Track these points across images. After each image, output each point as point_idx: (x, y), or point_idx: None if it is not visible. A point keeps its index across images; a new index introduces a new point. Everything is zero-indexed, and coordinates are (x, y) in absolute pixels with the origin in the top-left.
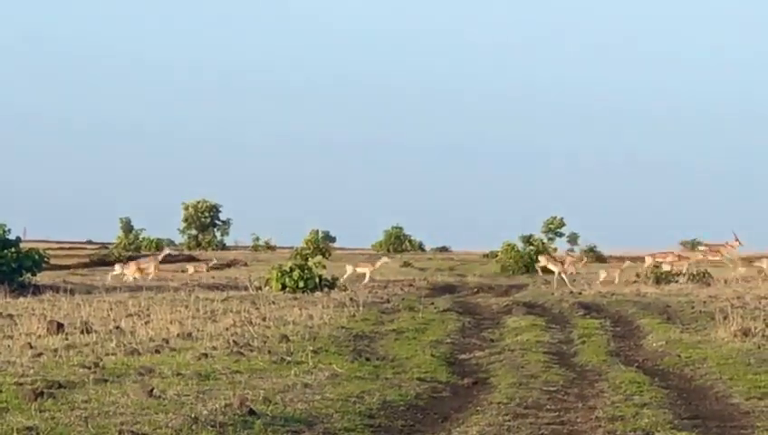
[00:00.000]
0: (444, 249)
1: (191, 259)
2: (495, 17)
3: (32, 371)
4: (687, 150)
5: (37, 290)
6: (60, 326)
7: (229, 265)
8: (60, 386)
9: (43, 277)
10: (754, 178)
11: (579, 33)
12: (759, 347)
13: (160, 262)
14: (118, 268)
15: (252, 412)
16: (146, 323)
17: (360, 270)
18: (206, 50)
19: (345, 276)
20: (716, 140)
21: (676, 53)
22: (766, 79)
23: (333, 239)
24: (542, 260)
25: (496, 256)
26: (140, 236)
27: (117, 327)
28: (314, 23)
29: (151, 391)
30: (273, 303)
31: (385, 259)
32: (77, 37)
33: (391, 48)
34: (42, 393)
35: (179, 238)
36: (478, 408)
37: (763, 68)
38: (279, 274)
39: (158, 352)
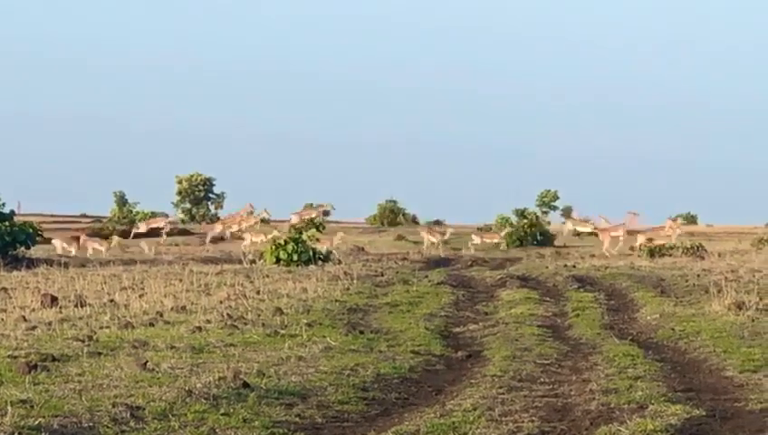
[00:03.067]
0: (438, 223)
1: (184, 232)
2: None
3: (26, 344)
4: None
5: (31, 263)
6: (54, 299)
7: (222, 238)
8: (54, 359)
9: (37, 251)
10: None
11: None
12: (753, 320)
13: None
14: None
15: (246, 385)
16: (140, 296)
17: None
18: (195, 28)
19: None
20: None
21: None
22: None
23: (328, 213)
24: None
25: (490, 229)
26: (134, 210)
27: (111, 300)
28: None
29: (145, 363)
30: (268, 276)
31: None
32: (69, 15)
33: (382, 25)
34: (36, 366)
35: (173, 212)
36: (472, 381)
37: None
38: (273, 247)
39: (152, 325)
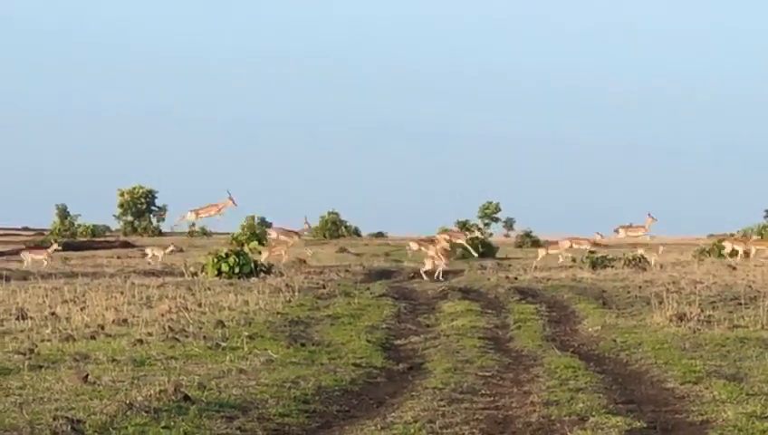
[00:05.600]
0: (380, 235)
1: (126, 245)
2: None
3: None
4: (623, 132)
5: None
6: None
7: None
8: None
9: None
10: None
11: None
12: (694, 332)
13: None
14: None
15: (186, 398)
16: (81, 309)
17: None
18: (133, 31)
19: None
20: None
21: (593, 31)
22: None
23: (269, 225)
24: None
25: (432, 241)
26: (76, 223)
27: (52, 313)
28: None
29: (86, 377)
30: (209, 289)
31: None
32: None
33: (321, 28)
34: None
35: (115, 225)
36: (413, 393)
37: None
38: (215, 259)
39: (93, 338)
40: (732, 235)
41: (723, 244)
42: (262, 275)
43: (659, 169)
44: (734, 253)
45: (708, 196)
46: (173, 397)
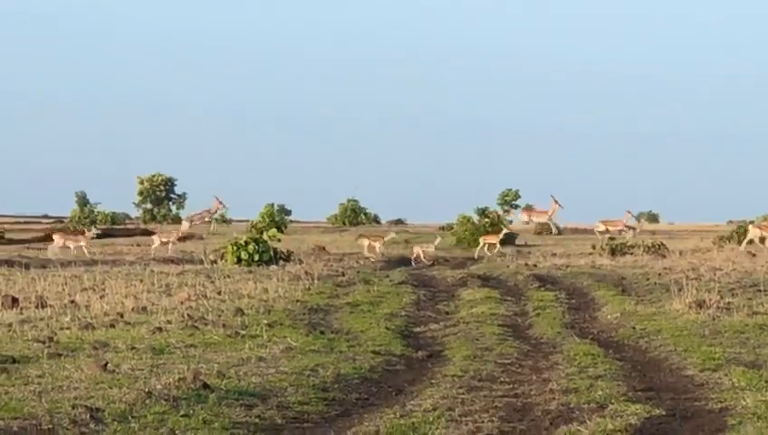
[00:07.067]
0: (399, 222)
1: (146, 233)
2: None
3: None
4: (639, 119)
5: None
6: (14, 301)
7: (184, 238)
8: (14, 361)
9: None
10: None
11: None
12: (713, 319)
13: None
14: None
15: (206, 386)
16: (101, 297)
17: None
18: (155, 19)
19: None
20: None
21: (612, 17)
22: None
23: (289, 212)
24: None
25: (452, 228)
26: (96, 211)
27: (72, 301)
28: None
29: (105, 365)
30: (229, 276)
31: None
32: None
33: (337, 17)
34: None
35: (135, 212)
36: (432, 381)
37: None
38: (234, 247)
39: (112, 326)
40: (751, 221)
41: (749, 229)
42: (281, 262)
43: (677, 156)
44: (762, 239)
45: (727, 182)
46: (192, 385)
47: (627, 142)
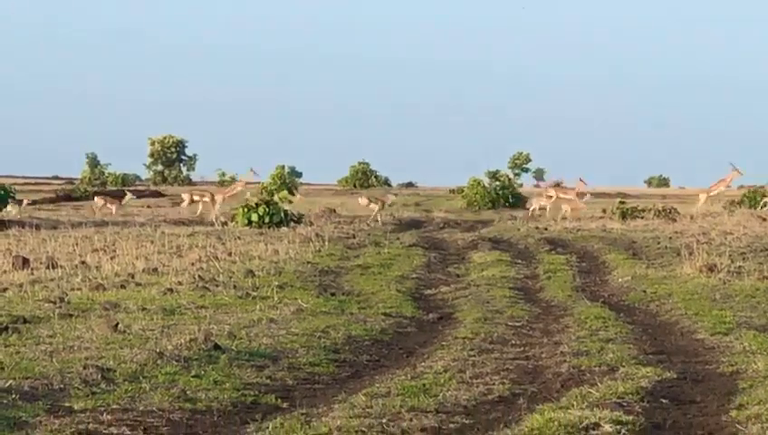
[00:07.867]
0: (410, 185)
1: (156, 194)
2: None
3: None
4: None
5: (3, 225)
6: (25, 261)
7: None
8: (25, 321)
9: (8, 213)
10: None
11: None
12: (724, 283)
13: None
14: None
15: (217, 347)
16: (111, 258)
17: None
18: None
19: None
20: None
21: None
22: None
23: (300, 175)
24: None
25: (462, 191)
26: (106, 172)
27: (82, 262)
28: None
29: (116, 325)
30: (239, 238)
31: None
32: None
33: None
34: (6, 328)
35: (145, 174)
36: (443, 343)
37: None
38: (245, 209)
39: (123, 287)
40: (762, 186)
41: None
42: (292, 224)
43: (687, 121)
44: None
45: (738, 147)
46: (203, 346)
47: (634, 107)
